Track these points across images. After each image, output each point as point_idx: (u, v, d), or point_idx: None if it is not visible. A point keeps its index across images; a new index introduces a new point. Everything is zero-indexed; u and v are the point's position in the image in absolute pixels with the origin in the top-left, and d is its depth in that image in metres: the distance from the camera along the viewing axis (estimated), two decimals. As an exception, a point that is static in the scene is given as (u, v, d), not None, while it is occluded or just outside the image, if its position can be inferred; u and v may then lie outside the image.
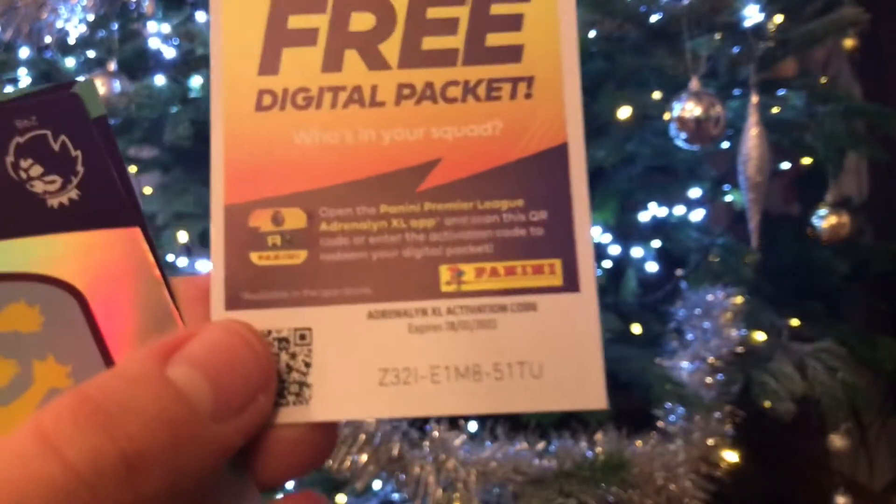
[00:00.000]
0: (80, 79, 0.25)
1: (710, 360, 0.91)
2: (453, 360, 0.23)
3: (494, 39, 0.25)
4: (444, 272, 0.24)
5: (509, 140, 0.24)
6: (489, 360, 0.23)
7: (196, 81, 0.90)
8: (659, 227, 1.06)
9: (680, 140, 0.90)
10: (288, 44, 0.25)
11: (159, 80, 0.90)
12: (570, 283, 0.24)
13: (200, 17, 0.91)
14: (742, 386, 0.93)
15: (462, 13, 0.25)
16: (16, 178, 0.24)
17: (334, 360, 0.23)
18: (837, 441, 1.07)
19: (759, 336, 0.97)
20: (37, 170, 0.24)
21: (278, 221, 0.24)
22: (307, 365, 0.23)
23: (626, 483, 0.82)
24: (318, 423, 0.23)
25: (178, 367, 0.20)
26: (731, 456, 0.89)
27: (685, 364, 0.91)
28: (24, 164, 0.24)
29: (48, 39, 0.87)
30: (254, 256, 0.24)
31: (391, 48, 0.25)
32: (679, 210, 1.06)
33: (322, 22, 0.25)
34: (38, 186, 0.24)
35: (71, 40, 0.88)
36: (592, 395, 0.23)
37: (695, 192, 1.05)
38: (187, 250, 1.03)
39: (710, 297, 0.93)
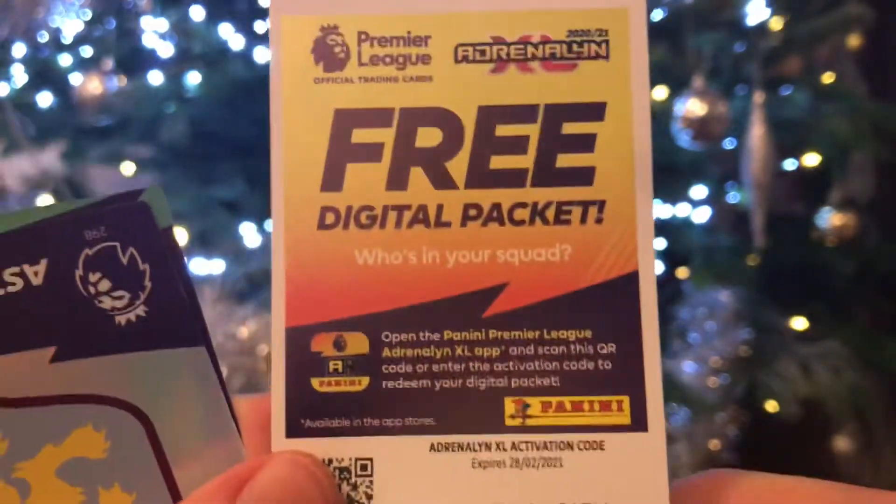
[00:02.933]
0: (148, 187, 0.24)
1: (714, 361, 0.90)
2: (517, 499, 0.23)
3: (566, 160, 0.24)
4: (509, 405, 0.23)
5: (578, 266, 0.23)
6: (554, 499, 0.23)
7: (193, 79, 0.89)
8: (662, 227, 1.05)
9: (683, 139, 0.90)
10: (352, 159, 0.24)
11: (156, 77, 0.90)
12: (638, 423, 0.23)
13: (197, 14, 0.90)
14: (746, 387, 0.93)
15: (532, 131, 0.24)
16: (84, 294, 0.23)
17: (396, 494, 0.23)
18: (842, 443, 1.06)
19: (764, 337, 0.96)
20: (105, 284, 0.23)
21: (340, 346, 0.23)
22: (369, 497, 0.23)
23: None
24: None
25: None
26: (734, 458, 0.88)
27: (688, 365, 0.91)
28: (92, 278, 0.23)
29: (44, 37, 0.86)
30: (315, 382, 0.23)
31: (458, 166, 0.24)
32: (683, 209, 1.05)
33: (387, 137, 0.24)
34: (107, 302, 0.23)
35: (66, 38, 0.87)
36: None
37: (698, 192, 1.05)
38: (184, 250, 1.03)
39: (713, 298, 0.92)
